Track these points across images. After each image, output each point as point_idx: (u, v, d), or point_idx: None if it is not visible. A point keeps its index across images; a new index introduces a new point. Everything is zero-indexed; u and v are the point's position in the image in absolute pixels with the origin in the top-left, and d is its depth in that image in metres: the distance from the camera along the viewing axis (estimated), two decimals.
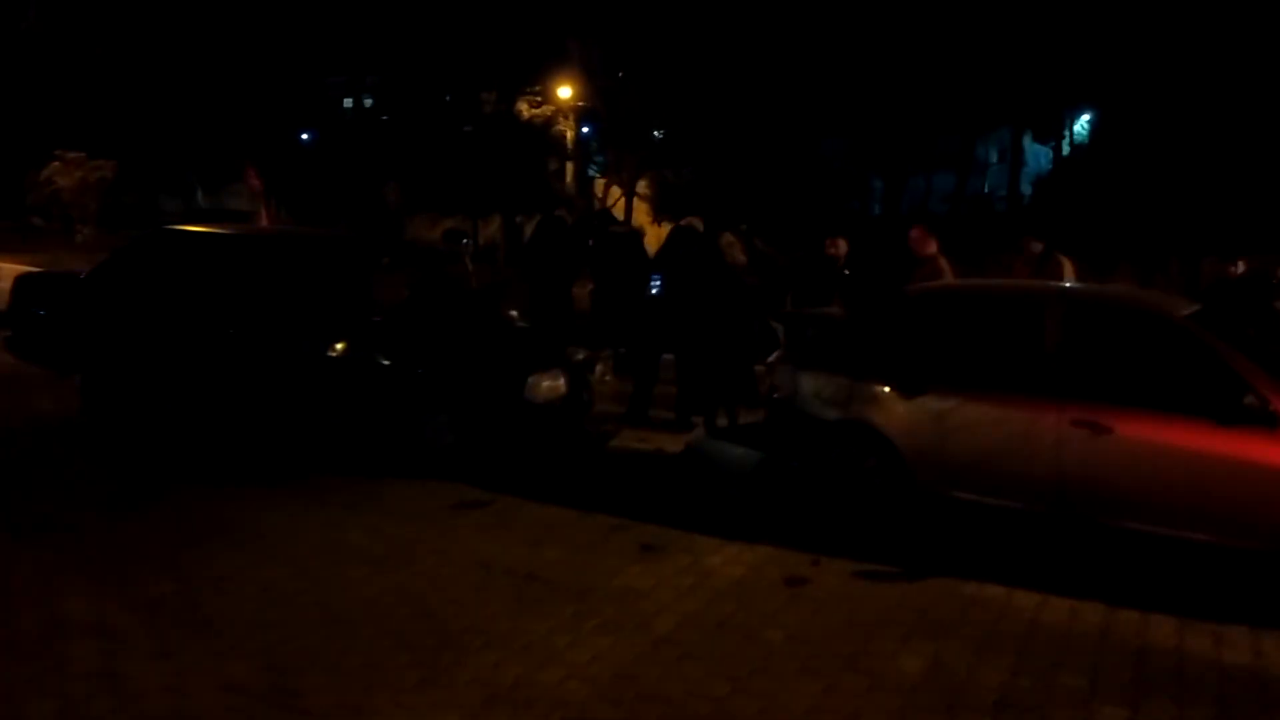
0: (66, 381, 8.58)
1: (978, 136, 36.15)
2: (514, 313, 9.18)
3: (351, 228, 11.99)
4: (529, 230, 16.12)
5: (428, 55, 30.94)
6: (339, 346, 7.39)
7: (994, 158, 42.17)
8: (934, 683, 4.32)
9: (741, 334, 8.94)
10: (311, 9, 32.98)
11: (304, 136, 36.92)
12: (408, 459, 7.19)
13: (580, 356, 8.07)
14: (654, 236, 18.61)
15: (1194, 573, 5.48)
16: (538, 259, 11.23)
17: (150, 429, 8.00)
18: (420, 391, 7.27)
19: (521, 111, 28.17)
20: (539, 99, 28.06)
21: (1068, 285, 7.87)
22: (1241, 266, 10.25)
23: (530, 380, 7.33)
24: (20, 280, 9.13)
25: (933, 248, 8.77)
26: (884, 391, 6.24)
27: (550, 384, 7.48)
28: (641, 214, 28.09)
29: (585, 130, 29.63)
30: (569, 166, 29.11)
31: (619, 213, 27.37)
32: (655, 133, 29.33)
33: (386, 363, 7.36)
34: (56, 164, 29.19)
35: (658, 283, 9.72)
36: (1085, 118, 34.93)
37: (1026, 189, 34.64)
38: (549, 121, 28.02)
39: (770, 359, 7.74)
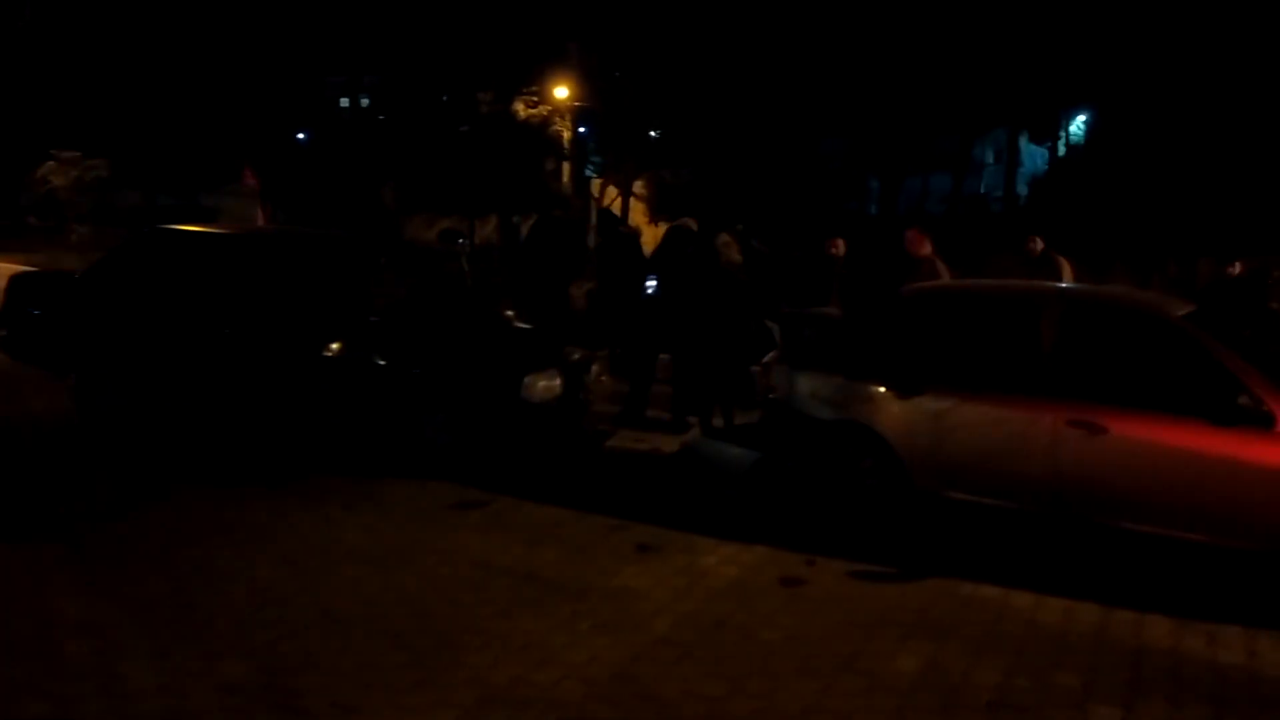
0: (61, 382, 8.57)
1: (974, 137, 36.16)
2: (510, 312, 9.18)
3: (348, 227, 12.00)
4: (526, 230, 16.14)
5: (424, 55, 30.92)
6: (335, 346, 7.39)
7: (990, 158, 42.18)
8: (930, 683, 4.32)
9: (738, 334, 8.94)
10: (309, 9, 32.96)
11: (301, 136, 36.88)
12: (405, 459, 7.18)
13: (576, 356, 8.07)
14: (651, 237, 18.60)
15: (1189, 573, 5.49)
16: (534, 259, 11.23)
17: (145, 429, 7.99)
18: (417, 392, 7.26)
19: (518, 111, 28.15)
20: (535, 99, 28.04)
21: (1063, 286, 7.88)
22: (1238, 267, 10.27)
23: (527, 380, 7.33)
24: (15, 280, 9.11)
25: (928, 249, 8.79)
26: (880, 392, 6.24)
27: (547, 384, 7.47)
28: (638, 214, 28.07)
29: (582, 130, 29.61)
30: (566, 167, 29.08)
31: (615, 212, 27.36)
32: (652, 133, 29.32)
33: (383, 363, 7.36)
34: (52, 163, 29.15)
35: (653, 283, 9.72)
36: (1081, 118, 34.95)
37: (1023, 189, 34.67)
38: (546, 121, 28.01)
39: (766, 359, 7.75)
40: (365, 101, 43.15)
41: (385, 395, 7.29)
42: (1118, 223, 20.98)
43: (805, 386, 6.58)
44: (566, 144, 28.44)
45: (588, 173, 30.27)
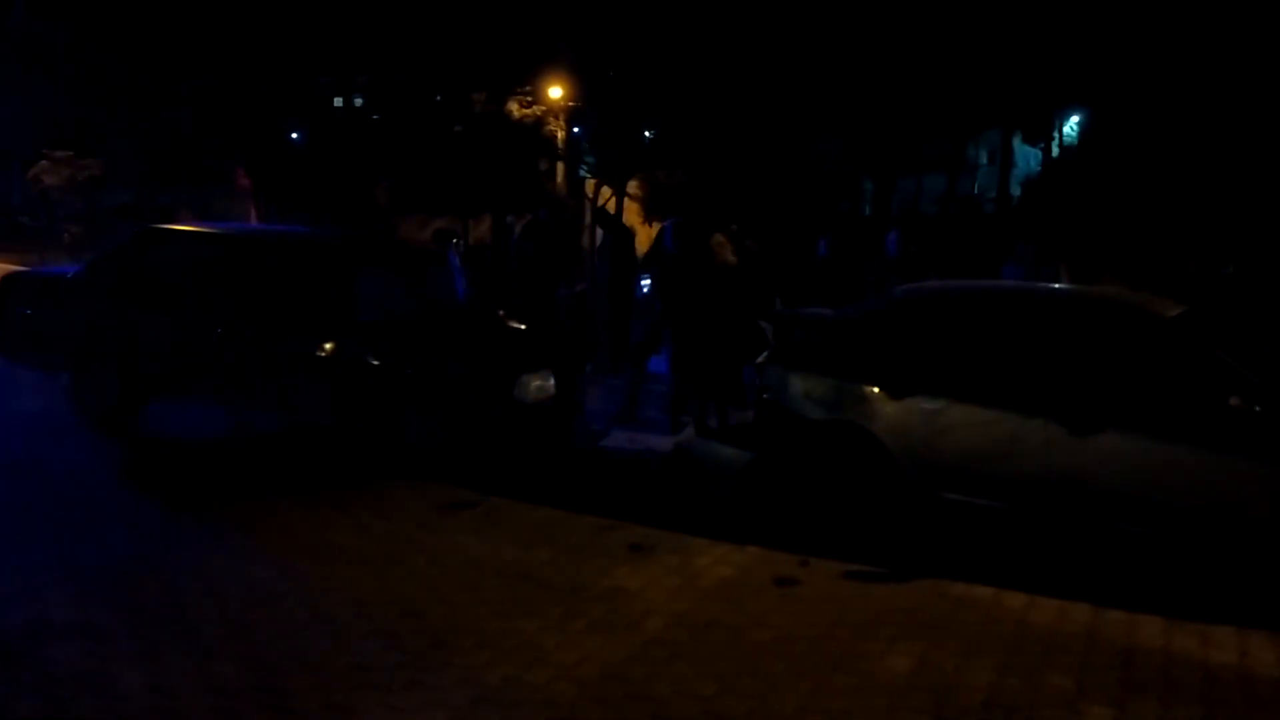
0: (54, 381, 8.55)
1: (968, 138, 36.23)
2: (503, 312, 9.18)
3: (342, 227, 12.00)
4: (519, 230, 16.12)
5: (418, 55, 30.87)
6: (328, 346, 7.38)
7: (984, 159, 42.25)
8: (922, 683, 4.32)
9: (732, 334, 8.93)
10: (303, 8, 32.90)
11: (293, 136, 36.79)
12: (397, 459, 7.17)
13: (570, 357, 8.06)
14: (644, 237, 18.60)
15: (1181, 572, 5.51)
16: (526, 259, 11.20)
17: (137, 429, 7.97)
18: (409, 392, 7.25)
19: (512, 112, 28.11)
20: (529, 99, 28.00)
21: (1055, 286, 7.89)
22: (1231, 268, 10.30)
23: (520, 380, 7.32)
24: (7, 279, 9.10)
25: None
26: (873, 392, 6.24)
27: (540, 384, 7.47)
28: (632, 214, 28.06)
29: (576, 130, 29.59)
30: (559, 167, 29.05)
31: (610, 212, 27.33)
32: (646, 133, 29.31)
33: (375, 363, 7.35)
34: (45, 163, 29.07)
35: (646, 282, 9.73)
36: (1074, 119, 35.03)
37: (1016, 190, 34.73)
38: (539, 121, 27.98)
39: (759, 359, 7.74)
40: (359, 101, 43.04)
41: (378, 395, 7.28)
42: (1111, 223, 21.02)
43: (798, 387, 6.58)
44: (560, 144, 28.41)
45: (582, 173, 30.24)
